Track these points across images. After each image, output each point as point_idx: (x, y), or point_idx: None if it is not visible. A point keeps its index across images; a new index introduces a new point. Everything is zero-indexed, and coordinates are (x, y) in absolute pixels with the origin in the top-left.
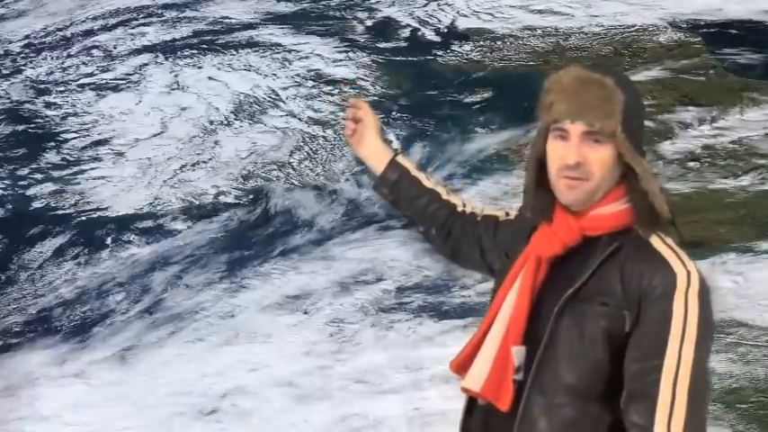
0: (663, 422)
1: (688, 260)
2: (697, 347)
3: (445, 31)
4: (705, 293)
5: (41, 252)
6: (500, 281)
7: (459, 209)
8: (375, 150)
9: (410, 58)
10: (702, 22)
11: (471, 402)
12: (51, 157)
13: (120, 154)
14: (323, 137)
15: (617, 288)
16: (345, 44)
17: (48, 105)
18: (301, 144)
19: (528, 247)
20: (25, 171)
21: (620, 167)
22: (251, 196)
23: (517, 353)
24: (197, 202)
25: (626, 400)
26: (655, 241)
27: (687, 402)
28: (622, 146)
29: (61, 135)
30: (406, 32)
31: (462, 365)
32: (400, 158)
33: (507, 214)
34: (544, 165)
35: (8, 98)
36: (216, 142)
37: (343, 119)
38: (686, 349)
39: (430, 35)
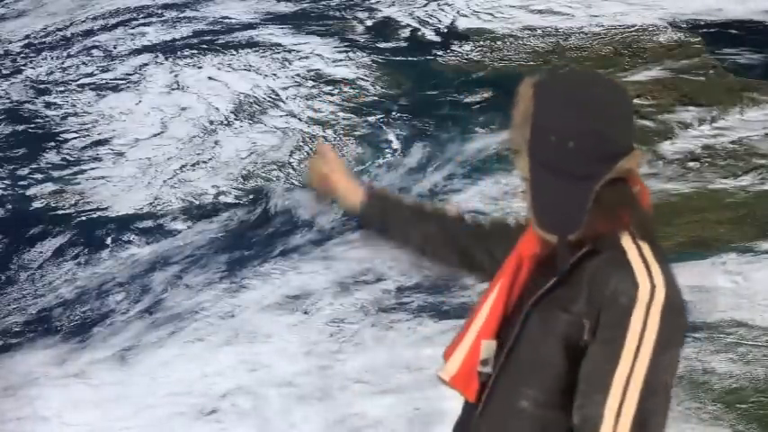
0: (612, 414)
1: (658, 274)
2: (651, 365)
3: (445, 31)
4: (670, 311)
5: (41, 252)
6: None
7: (465, 220)
8: (348, 188)
9: (410, 58)
10: (702, 22)
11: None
12: (51, 157)
13: (120, 154)
14: (323, 137)
15: (581, 296)
16: (345, 44)
17: (48, 105)
18: (301, 144)
19: (515, 247)
20: (25, 171)
21: None
22: (251, 196)
23: (486, 346)
24: (197, 202)
25: (578, 398)
26: (630, 251)
27: (638, 403)
28: None
29: (61, 135)
30: (406, 32)
31: (448, 355)
32: (376, 189)
33: (517, 221)
34: None
35: (8, 98)
36: (216, 142)
37: (308, 168)
38: (640, 362)
39: (430, 35)
